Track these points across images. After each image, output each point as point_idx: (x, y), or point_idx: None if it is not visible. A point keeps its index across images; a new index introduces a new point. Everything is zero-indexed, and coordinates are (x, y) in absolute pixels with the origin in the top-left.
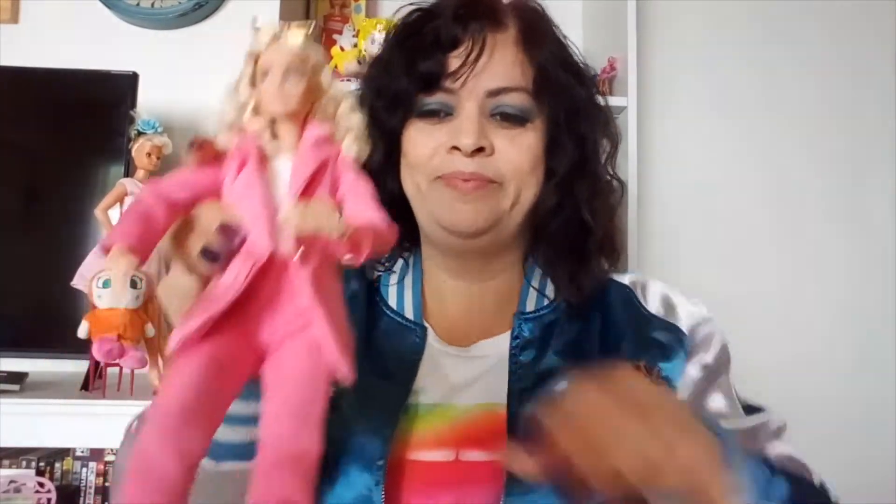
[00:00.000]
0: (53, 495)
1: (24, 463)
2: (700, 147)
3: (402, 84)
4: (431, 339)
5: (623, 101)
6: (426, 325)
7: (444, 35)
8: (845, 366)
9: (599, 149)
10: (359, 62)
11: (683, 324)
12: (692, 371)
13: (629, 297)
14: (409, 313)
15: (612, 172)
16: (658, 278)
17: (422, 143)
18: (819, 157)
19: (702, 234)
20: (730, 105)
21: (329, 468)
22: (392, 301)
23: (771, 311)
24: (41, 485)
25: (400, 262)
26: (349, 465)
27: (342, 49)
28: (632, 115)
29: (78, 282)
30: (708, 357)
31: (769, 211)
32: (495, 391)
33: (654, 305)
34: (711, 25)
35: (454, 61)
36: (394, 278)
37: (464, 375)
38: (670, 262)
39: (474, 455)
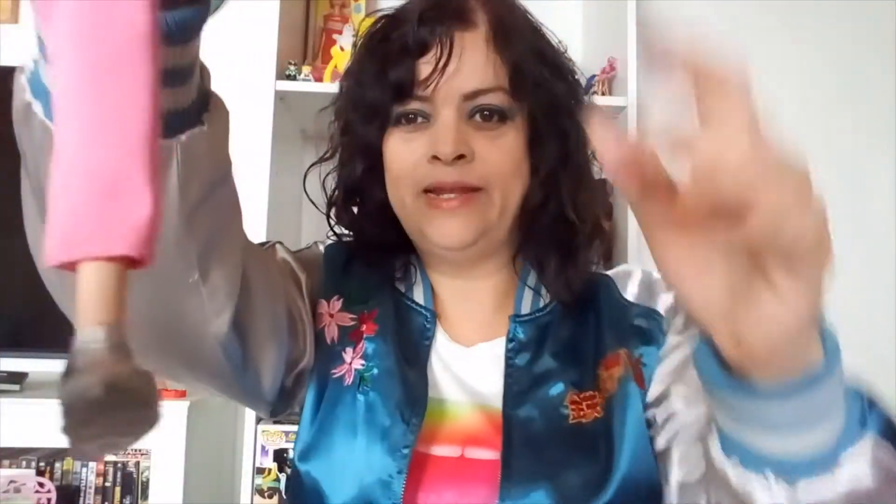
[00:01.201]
0: (53, 495)
1: (24, 463)
2: None
3: (376, 94)
4: (440, 332)
5: (623, 101)
6: (436, 311)
7: (412, 41)
8: (845, 365)
9: (583, 141)
10: None
11: (661, 307)
12: (671, 340)
13: (609, 288)
14: (419, 298)
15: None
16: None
17: (402, 155)
18: (818, 156)
19: None
20: None
21: (353, 447)
22: (405, 289)
23: None
24: (41, 485)
25: (411, 268)
26: (373, 447)
27: (342, 49)
28: (632, 116)
29: None
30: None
31: None
32: (495, 393)
33: (632, 292)
34: (711, 26)
35: (425, 67)
36: (413, 282)
37: (467, 375)
38: None
39: (477, 453)
